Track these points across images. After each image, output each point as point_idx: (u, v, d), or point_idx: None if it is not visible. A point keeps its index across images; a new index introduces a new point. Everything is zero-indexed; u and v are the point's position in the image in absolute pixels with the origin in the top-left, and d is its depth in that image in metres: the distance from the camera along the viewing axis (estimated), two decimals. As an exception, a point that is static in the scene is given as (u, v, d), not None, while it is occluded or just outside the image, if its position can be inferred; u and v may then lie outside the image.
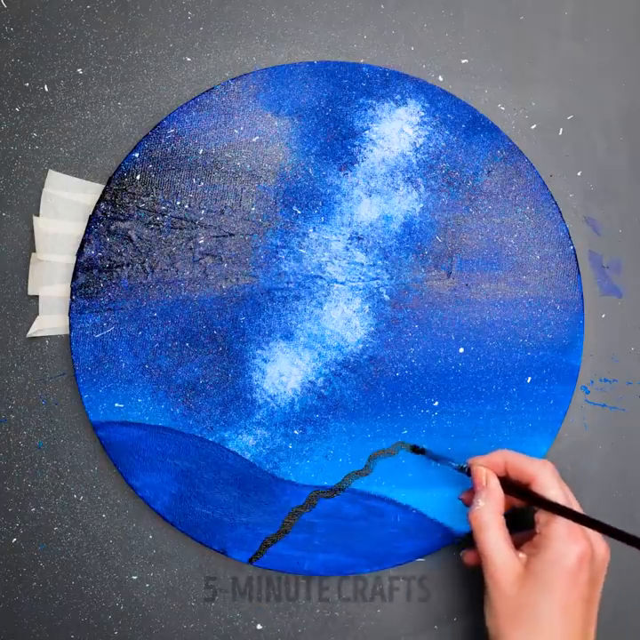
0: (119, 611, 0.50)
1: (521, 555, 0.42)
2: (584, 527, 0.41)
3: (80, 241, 0.49)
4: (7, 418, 0.50)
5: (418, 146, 0.50)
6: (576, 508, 0.43)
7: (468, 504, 0.47)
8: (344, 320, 0.49)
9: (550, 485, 0.42)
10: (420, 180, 0.50)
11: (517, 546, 0.43)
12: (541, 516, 0.42)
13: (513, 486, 0.44)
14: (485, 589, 0.42)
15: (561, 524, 0.41)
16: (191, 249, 0.49)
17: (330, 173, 0.50)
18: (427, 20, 0.52)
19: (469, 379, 0.50)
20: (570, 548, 0.40)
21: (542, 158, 0.52)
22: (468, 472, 0.46)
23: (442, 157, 0.50)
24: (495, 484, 0.44)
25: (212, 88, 0.50)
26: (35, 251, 0.50)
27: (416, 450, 0.49)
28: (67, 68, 0.51)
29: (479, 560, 0.43)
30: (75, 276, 0.49)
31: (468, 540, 0.50)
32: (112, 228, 0.49)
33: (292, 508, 0.49)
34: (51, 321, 0.50)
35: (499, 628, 0.41)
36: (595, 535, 0.42)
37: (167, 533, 0.50)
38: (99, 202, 0.49)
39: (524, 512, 0.48)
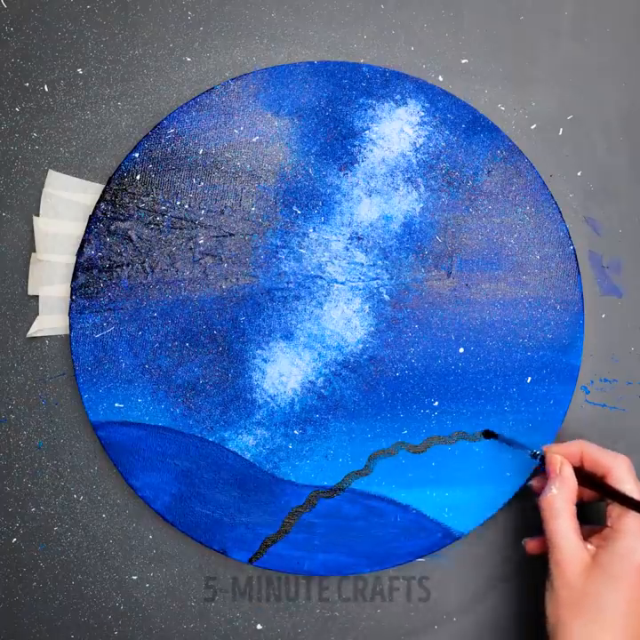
0: (119, 611, 0.50)
1: (589, 546, 0.42)
2: None
3: (80, 241, 0.49)
4: (7, 418, 0.50)
5: (418, 146, 0.50)
6: None
7: (537, 491, 0.47)
8: (344, 320, 0.49)
9: (626, 479, 0.43)
10: (419, 179, 0.50)
11: (585, 538, 0.43)
12: (614, 510, 0.42)
13: (587, 477, 0.44)
14: (549, 577, 0.42)
15: (633, 519, 0.41)
16: (191, 249, 0.49)
17: (330, 173, 0.50)
18: (427, 20, 0.52)
19: (469, 379, 0.50)
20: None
21: (542, 158, 0.52)
22: (541, 459, 0.46)
23: (442, 157, 0.50)
24: (569, 473, 0.44)
25: (212, 88, 0.50)
26: (35, 251, 0.50)
27: (488, 434, 0.49)
28: (67, 68, 0.51)
29: (542, 549, 0.43)
30: (75, 276, 0.49)
31: (471, 539, 0.50)
32: (112, 227, 0.49)
33: (291, 508, 0.49)
34: (51, 321, 0.50)
35: (559, 616, 0.42)
36: None
37: (167, 533, 0.50)
38: (99, 202, 0.49)
39: (593, 505, 0.48)
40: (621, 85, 0.53)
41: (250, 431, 0.49)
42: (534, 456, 0.46)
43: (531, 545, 0.47)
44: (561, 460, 0.45)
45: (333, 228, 0.50)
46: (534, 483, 0.48)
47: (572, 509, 0.43)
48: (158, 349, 0.49)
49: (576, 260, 0.50)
